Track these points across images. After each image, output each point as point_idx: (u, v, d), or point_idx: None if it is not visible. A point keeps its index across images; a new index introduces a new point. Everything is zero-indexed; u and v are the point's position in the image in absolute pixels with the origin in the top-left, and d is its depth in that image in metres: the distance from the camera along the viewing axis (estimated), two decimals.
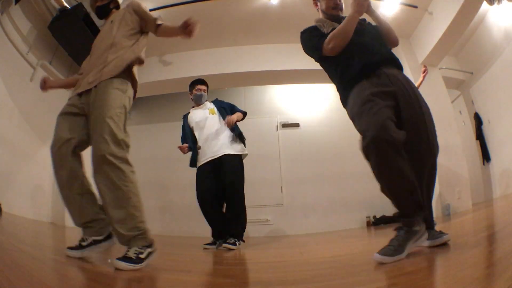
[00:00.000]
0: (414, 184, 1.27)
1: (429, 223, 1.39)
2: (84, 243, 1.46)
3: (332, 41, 1.49)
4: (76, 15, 3.22)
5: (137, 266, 1.28)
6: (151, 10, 3.77)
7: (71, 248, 1.47)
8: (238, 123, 2.72)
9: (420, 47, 4.02)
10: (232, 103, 2.94)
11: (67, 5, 3.22)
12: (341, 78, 1.55)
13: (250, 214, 3.77)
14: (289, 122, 5.03)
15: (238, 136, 2.67)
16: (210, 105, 2.85)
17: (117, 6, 1.93)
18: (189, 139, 2.77)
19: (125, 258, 1.28)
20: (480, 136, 4.22)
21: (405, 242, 1.24)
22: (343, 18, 1.64)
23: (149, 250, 1.35)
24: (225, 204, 2.68)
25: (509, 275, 0.79)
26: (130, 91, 1.62)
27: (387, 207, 3.90)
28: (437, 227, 1.50)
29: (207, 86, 2.94)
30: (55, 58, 3.76)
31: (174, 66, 4.36)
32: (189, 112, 2.93)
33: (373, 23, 1.78)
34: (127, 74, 1.59)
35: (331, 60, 1.57)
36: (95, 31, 3.48)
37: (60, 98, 4.09)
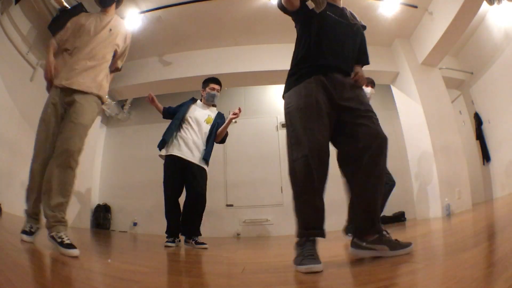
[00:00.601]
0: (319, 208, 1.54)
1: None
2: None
3: None
4: (76, 15, 3.21)
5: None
6: (151, 10, 3.78)
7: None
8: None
9: (420, 47, 4.02)
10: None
11: (67, 5, 3.22)
12: (296, 64, 1.53)
13: (250, 214, 3.79)
14: None
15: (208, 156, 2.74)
16: (212, 113, 2.92)
17: (119, 3, 2.12)
18: (176, 121, 2.74)
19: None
20: (480, 136, 4.22)
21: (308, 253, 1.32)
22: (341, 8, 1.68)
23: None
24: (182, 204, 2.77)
25: (508, 275, 0.79)
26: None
27: (387, 208, 3.90)
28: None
29: (221, 87, 2.99)
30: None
31: (174, 66, 4.36)
32: (194, 101, 2.94)
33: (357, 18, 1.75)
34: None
35: (302, 32, 1.59)
36: None
37: None
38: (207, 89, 2.90)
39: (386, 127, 4.74)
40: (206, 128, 2.80)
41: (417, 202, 3.97)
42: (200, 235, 2.69)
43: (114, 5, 2.08)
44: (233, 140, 3.91)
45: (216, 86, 2.92)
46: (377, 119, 1.45)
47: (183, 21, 3.86)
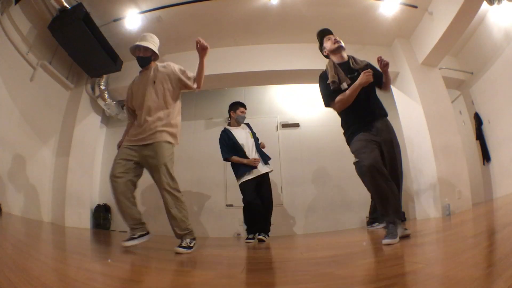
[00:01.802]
0: (396, 196, 2.00)
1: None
2: (134, 236, 2.09)
3: (339, 103, 2.11)
4: (76, 15, 3.22)
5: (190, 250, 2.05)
6: (151, 10, 3.79)
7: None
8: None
9: (420, 47, 4.02)
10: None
11: (67, 5, 3.22)
12: (347, 127, 2.20)
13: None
14: (289, 122, 5.03)
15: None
16: (246, 128, 3.46)
17: (157, 58, 2.43)
18: (240, 151, 3.26)
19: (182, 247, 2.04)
20: (480, 136, 4.22)
21: (396, 231, 1.86)
22: (352, 61, 2.19)
23: (194, 241, 2.14)
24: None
25: (508, 275, 0.79)
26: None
27: None
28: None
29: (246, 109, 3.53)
30: (55, 58, 3.76)
31: None
32: (227, 128, 3.41)
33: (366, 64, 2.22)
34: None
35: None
36: (95, 31, 3.49)
37: (60, 98, 4.11)
38: (238, 112, 3.44)
39: None
40: (252, 142, 3.39)
41: (417, 202, 3.97)
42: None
43: (151, 64, 2.38)
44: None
45: (245, 110, 3.49)
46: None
47: (183, 21, 3.86)
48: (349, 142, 2.19)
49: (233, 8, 3.72)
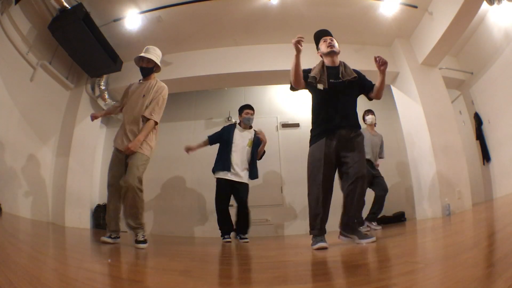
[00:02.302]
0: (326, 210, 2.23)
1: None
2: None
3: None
4: (76, 15, 3.22)
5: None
6: (151, 10, 3.78)
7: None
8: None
9: (420, 47, 4.02)
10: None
11: (67, 5, 3.22)
12: (312, 128, 2.28)
13: (251, 214, 3.78)
14: (289, 122, 5.03)
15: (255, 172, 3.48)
16: (251, 135, 3.49)
17: (158, 69, 2.59)
18: (224, 146, 3.39)
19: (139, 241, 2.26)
20: (480, 136, 4.22)
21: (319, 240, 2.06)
22: (343, 68, 2.22)
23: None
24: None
25: (509, 275, 0.79)
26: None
27: (387, 208, 3.90)
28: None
29: (254, 111, 3.59)
30: (55, 58, 3.76)
31: (174, 66, 4.36)
32: (235, 125, 3.53)
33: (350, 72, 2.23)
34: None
35: (314, 105, 2.27)
36: (95, 31, 3.49)
37: (60, 98, 4.11)
38: (243, 114, 3.50)
39: (386, 127, 4.74)
40: (248, 151, 3.43)
41: (417, 202, 3.96)
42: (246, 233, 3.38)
43: (152, 75, 2.57)
44: None
45: (250, 111, 3.54)
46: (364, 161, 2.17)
47: (183, 21, 3.86)
48: (310, 143, 2.29)
49: (233, 8, 3.72)
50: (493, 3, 3.52)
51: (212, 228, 4.50)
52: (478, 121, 4.26)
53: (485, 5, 3.51)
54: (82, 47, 3.55)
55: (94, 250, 2.23)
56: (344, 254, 1.74)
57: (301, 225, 4.51)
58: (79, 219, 3.83)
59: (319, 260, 1.59)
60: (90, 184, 4.28)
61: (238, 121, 3.59)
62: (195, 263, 1.78)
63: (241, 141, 3.42)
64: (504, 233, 1.57)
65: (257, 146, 3.49)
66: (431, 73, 4.04)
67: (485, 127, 4.18)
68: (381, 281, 0.97)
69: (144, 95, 2.46)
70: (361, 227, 3.40)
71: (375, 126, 3.91)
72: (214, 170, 3.39)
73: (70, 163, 3.82)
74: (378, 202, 3.58)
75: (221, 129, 3.56)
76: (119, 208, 2.38)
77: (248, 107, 3.57)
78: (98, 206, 4.45)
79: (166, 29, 3.94)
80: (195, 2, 3.58)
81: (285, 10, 3.72)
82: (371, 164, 3.64)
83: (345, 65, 2.23)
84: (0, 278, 0.92)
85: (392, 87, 4.50)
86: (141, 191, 2.31)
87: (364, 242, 2.02)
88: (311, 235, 2.14)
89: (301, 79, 2.14)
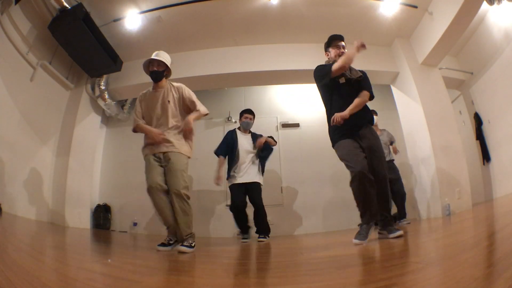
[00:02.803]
0: (374, 202, 2.12)
1: (389, 222, 2.19)
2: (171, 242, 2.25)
3: (339, 62, 2.18)
4: (76, 15, 3.22)
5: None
6: (151, 10, 3.78)
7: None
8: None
9: (420, 47, 4.02)
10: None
11: (67, 5, 3.22)
12: (333, 129, 2.29)
13: (250, 215, 3.79)
14: (289, 122, 5.03)
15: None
16: (250, 138, 3.53)
17: (168, 74, 2.48)
18: (232, 153, 3.43)
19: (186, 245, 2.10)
20: (480, 136, 4.22)
21: (367, 233, 2.09)
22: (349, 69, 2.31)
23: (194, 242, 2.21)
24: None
25: (509, 275, 0.79)
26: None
27: None
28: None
29: (254, 115, 3.64)
30: (55, 58, 3.76)
31: (174, 66, 4.30)
32: (235, 130, 3.56)
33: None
34: None
35: (327, 99, 2.36)
36: (95, 31, 3.49)
37: (60, 98, 4.11)
38: (242, 118, 3.56)
39: (386, 127, 4.71)
40: (253, 157, 3.47)
41: (417, 202, 3.97)
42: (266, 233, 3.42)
43: (164, 81, 2.44)
44: None
45: (249, 116, 3.58)
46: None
47: (183, 21, 3.86)
48: (333, 143, 2.32)
49: (233, 8, 3.72)
50: (493, 3, 3.52)
51: (212, 228, 4.50)
52: (478, 121, 4.26)
53: (485, 5, 3.51)
54: (82, 47, 3.55)
55: (94, 250, 2.23)
56: (344, 254, 1.74)
57: (301, 225, 4.51)
58: (79, 219, 3.84)
59: (319, 260, 1.59)
60: (90, 184, 4.28)
61: (238, 126, 3.64)
62: (195, 263, 1.78)
63: (246, 143, 3.47)
64: (504, 233, 1.57)
65: (259, 149, 3.52)
66: (431, 73, 4.04)
67: (485, 127, 4.18)
68: (381, 281, 0.96)
69: (169, 101, 2.36)
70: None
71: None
72: (228, 178, 3.42)
73: (70, 163, 3.82)
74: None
75: (224, 138, 3.57)
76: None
77: (248, 111, 3.60)
78: (98, 206, 4.45)
79: (166, 29, 3.94)
80: (195, 2, 3.58)
81: (285, 10, 3.72)
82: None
83: (351, 68, 2.33)
84: (0, 278, 0.92)
85: (392, 87, 4.50)
86: (189, 198, 2.25)
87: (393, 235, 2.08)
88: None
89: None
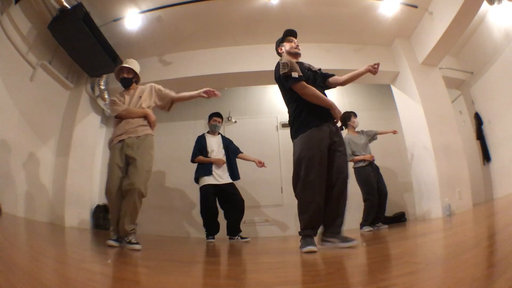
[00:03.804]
0: (321, 211, 1.97)
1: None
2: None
3: (309, 94, 2.03)
4: (76, 15, 3.22)
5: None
6: (151, 10, 3.78)
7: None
8: None
9: (420, 47, 4.02)
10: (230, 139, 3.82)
11: (67, 5, 3.22)
12: (298, 115, 2.08)
13: (251, 214, 3.79)
14: None
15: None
16: (220, 141, 3.66)
17: (138, 81, 2.65)
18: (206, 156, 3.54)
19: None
20: (480, 136, 4.21)
21: (310, 242, 1.89)
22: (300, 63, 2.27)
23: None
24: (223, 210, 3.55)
25: (509, 275, 0.79)
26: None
27: (387, 208, 3.90)
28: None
29: (222, 118, 3.78)
30: (55, 58, 3.76)
31: (174, 66, 4.36)
32: (204, 135, 3.69)
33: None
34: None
35: (296, 97, 2.09)
36: (95, 31, 3.49)
37: (60, 98, 4.11)
38: (211, 121, 3.69)
39: (386, 127, 4.71)
40: (222, 153, 3.59)
41: (417, 202, 3.96)
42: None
43: (133, 84, 2.60)
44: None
45: (217, 119, 3.71)
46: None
47: (183, 21, 3.86)
48: (297, 133, 2.06)
49: (233, 8, 3.72)
50: (493, 3, 3.52)
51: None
52: (478, 121, 4.26)
53: (485, 5, 3.51)
54: (82, 47, 3.55)
55: (94, 250, 2.23)
56: (344, 254, 1.74)
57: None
58: (79, 219, 3.83)
59: (319, 261, 1.59)
60: (90, 184, 4.27)
61: (207, 130, 3.79)
62: (195, 263, 1.78)
63: (216, 146, 3.59)
64: (505, 233, 1.57)
65: (230, 150, 3.65)
66: (431, 73, 4.04)
67: (486, 127, 4.18)
68: (381, 282, 0.96)
69: (140, 96, 2.51)
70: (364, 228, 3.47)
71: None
72: (197, 178, 3.50)
73: (70, 163, 3.81)
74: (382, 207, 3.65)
75: (195, 143, 3.66)
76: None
77: (215, 114, 3.75)
78: (98, 206, 4.44)
79: (166, 29, 3.94)
80: (195, 2, 3.57)
81: (285, 10, 3.72)
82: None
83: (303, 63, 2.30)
84: (0, 278, 0.92)
85: (392, 87, 4.50)
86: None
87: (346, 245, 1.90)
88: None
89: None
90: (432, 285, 0.88)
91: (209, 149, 3.54)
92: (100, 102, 4.30)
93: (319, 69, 2.30)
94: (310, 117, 2.01)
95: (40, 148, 3.60)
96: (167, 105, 2.60)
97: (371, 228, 3.46)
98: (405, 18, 3.87)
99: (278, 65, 2.18)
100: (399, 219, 4.20)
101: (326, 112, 2.04)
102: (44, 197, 3.57)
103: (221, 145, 3.62)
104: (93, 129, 4.42)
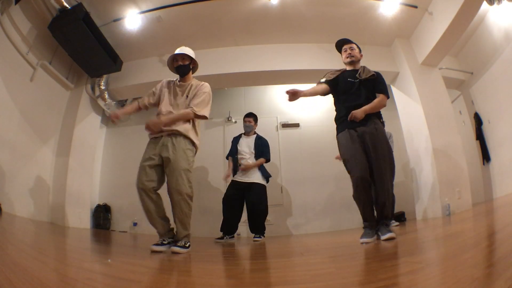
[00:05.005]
0: (372, 205, 2.17)
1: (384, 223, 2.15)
2: (164, 242, 2.14)
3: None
4: (76, 15, 3.22)
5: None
6: (151, 10, 3.78)
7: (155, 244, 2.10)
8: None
9: (420, 47, 4.02)
10: (267, 142, 3.76)
11: (67, 5, 3.22)
12: (338, 116, 2.39)
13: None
14: (289, 122, 5.03)
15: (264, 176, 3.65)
16: (251, 141, 3.69)
17: (195, 67, 2.46)
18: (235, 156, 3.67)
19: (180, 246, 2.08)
20: (480, 136, 4.22)
21: (372, 232, 2.10)
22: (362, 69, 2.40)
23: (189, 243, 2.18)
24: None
25: (509, 275, 0.79)
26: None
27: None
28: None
29: (254, 118, 3.79)
30: (55, 58, 3.76)
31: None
32: (241, 135, 3.79)
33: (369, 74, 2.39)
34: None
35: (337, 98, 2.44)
36: (95, 31, 3.49)
37: (60, 98, 4.11)
38: (244, 122, 3.75)
39: (386, 127, 4.72)
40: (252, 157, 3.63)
41: (417, 202, 3.97)
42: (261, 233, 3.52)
43: (190, 72, 2.42)
44: None
45: (248, 119, 3.74)
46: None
47: (183, 21, 3.86)
48: (338, 132, 2.37)
49: (233, 8, 3.72)
50: (493, 3, 3.52)
51: (212, 228, 4.50)
52: (478, 121, 4.26)
53: (485, 5, 3.51)
54: (82, 47, 3.55)
55: (94, 250, 2.23)
56: (344, 254, 1.74)
57: (301, 225, 4.51)
58: (79, 219, 3.84)
59: (319, 260, 1.59)
60: (90, 184, 4.28)
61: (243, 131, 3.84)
62: (196, 263, 1.78)
63: (246, 147, 3.64)
64: (504, 233, 1.57)
65: (260, 149, 3.66)
66: (431, 73, 4.04)
67: (485, 127, 4.18)
68: (381, 281, 0.97)
69: (187, 96, 2.32)
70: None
71: None
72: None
73: (70, 163, 3.82)
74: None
75: (232, 143, 3.78)
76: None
77: (248, 115, 3.78)
78: (98, 206, 4.45)
79: (166, 29, 3.94)
80: (195, 2, 3.57)
81: (285, 10, 3.72)
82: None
83: (365, 68, 2.41)
84: (0, 278, 0.92)
85: (392, 87, 4.50)
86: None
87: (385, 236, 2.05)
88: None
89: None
90: (431, 284, 0.88)
91: (239, 151, 3.62)
92: (101, 103, 4.30)
93: (373, 74, 2.36)
94: (343, 118, 2.32)
95: (41, 148, 3.60)
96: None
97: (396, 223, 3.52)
98: (405, 18, 3.87)
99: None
100: (399, 218, 4.20)
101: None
102: (44, 197, 3.57)
103: (252, 146, 3.64)
104: (93, 129, 4.42)
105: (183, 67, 2.35)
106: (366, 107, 2.22)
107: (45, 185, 3.63)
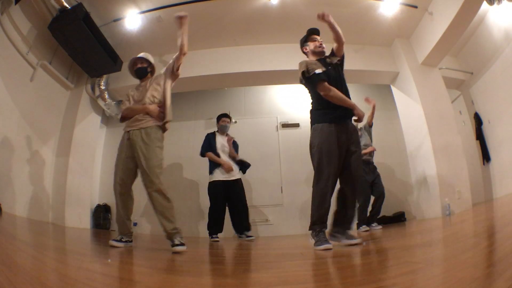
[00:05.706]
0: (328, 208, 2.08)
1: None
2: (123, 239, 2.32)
3: (331, 95, 2.07)
4: (76, 15, 3.22)
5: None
6: (151, 10, 3.78)
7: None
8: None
9: (420, 47, 4.02)
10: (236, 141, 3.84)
11: (67, 5, 3.22)
12: (321, 106, 2.16)
13: (250, 214, 3.78)
14: (289, 122, 5.03)
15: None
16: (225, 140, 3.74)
17: (153, 71, 2.64)
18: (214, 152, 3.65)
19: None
20: (480, 136, 4.22)
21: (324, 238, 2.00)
22: (327, 57, 2.27)
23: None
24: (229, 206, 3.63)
25: (509, 275, 0.79)
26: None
27: (387, 208, 3.90)
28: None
29: (230, 119, 3.88)
30: (55, 58, 3.76)
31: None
32: (214, 132, 3.79)
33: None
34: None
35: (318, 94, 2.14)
36: (95, 31, 3.49)
37: (60, 98, 4.11)
38: (220, 122, 3.78)
39: (386, 127, 4.73)
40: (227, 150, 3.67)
41: (417, 202, 3.97)
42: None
43: (148, 75, 2.61)
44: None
45: (226, 119, 3.80)
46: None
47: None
48: (315, 121, 2.17)
49: (233, 8, 3.72)
50: (493, 3, 3.52)
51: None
52: (478, 121, 4.26)
53: (485, 5, 3.51)
54: (82, 47, 3.55)
55: (94, 250, 2.23)
56: (344, 254, 1.74)
57: (301, 225, 4.51)
58: (79, 219, 3.84)
59: (319, 260, 1.59)
60: (90, 184, 4.28)
61: (216, 129, 3.87)
62: (195, 263, 1.78)
63: (223, 145, 3.69)
64: (504, 233, 1.57)
65: (235, 148, 3.74)
66: (431, 73, 4.04)
67: (485, 127, 4.18)
68: (381, 281, 0.97)
69: (148, 86, 2.50)
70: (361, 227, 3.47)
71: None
72: (211, 173, 3.60)
73: (70, 163, 3.82)
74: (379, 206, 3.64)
75: (205, 139, 3.76)
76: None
77: (226, 115, 3.85)
78: (98, 206, 4.45)
79: (166, 29, 3.94)
80: (195, 2, 3.57)
81: (285, 10, 3.72)
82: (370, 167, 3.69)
83: (328, 56, 2.33)
84: (0, 278, 0.92)
85: (392, 87, 4.50)
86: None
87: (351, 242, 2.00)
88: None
89: None
90: (431, 284, 0.88)
91: (219, 149, 3.63)
92: (101, 103, 4.30)
93: (339, 60, 2.28)
94: (332, 111, 2.08)
95: (41, 148, 3.60)
96: (174, 68, 2.51)
97: (367, 228, 3.47)
98: (405, 18, 3.87)
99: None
100: (399, 219, 4.21)
101: (348, 111, 2.09)
102: (44, 197, 3.57)
103: (226, 145, 3.71)
104: (93, 129, 4.42)
105: (141, 69, 2.58)
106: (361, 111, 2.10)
107: (45, 185, 3.63)
